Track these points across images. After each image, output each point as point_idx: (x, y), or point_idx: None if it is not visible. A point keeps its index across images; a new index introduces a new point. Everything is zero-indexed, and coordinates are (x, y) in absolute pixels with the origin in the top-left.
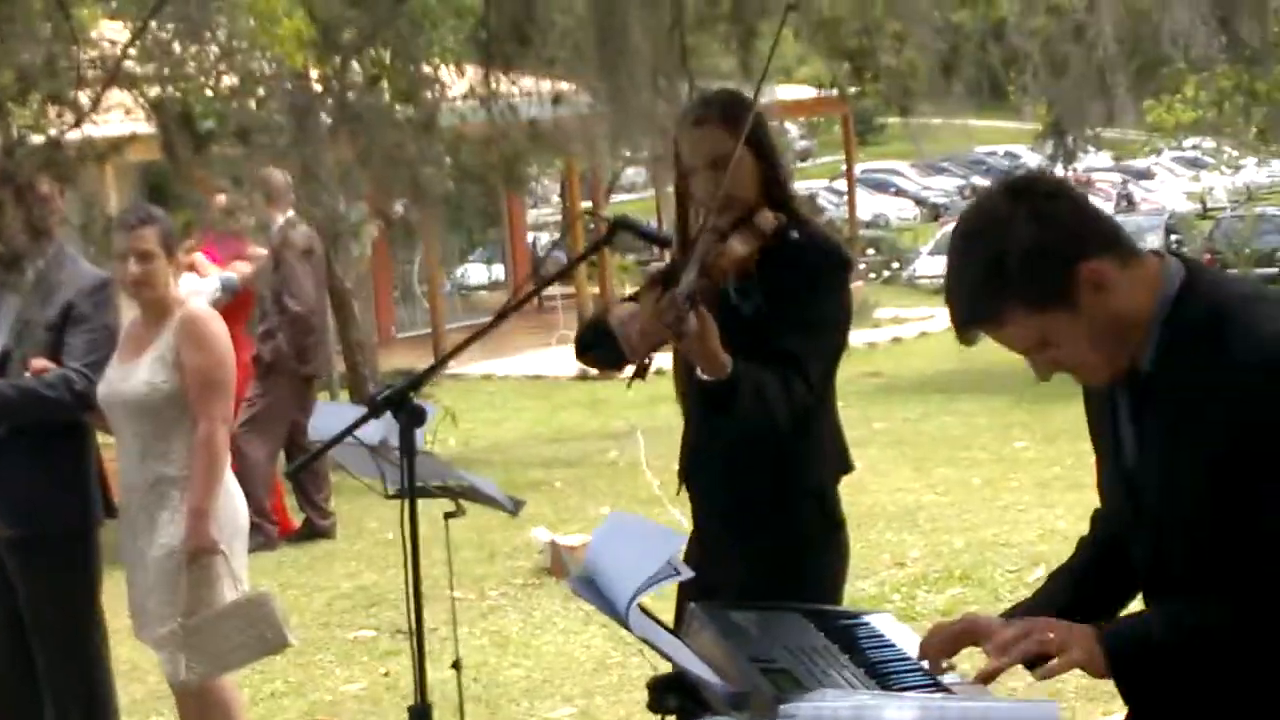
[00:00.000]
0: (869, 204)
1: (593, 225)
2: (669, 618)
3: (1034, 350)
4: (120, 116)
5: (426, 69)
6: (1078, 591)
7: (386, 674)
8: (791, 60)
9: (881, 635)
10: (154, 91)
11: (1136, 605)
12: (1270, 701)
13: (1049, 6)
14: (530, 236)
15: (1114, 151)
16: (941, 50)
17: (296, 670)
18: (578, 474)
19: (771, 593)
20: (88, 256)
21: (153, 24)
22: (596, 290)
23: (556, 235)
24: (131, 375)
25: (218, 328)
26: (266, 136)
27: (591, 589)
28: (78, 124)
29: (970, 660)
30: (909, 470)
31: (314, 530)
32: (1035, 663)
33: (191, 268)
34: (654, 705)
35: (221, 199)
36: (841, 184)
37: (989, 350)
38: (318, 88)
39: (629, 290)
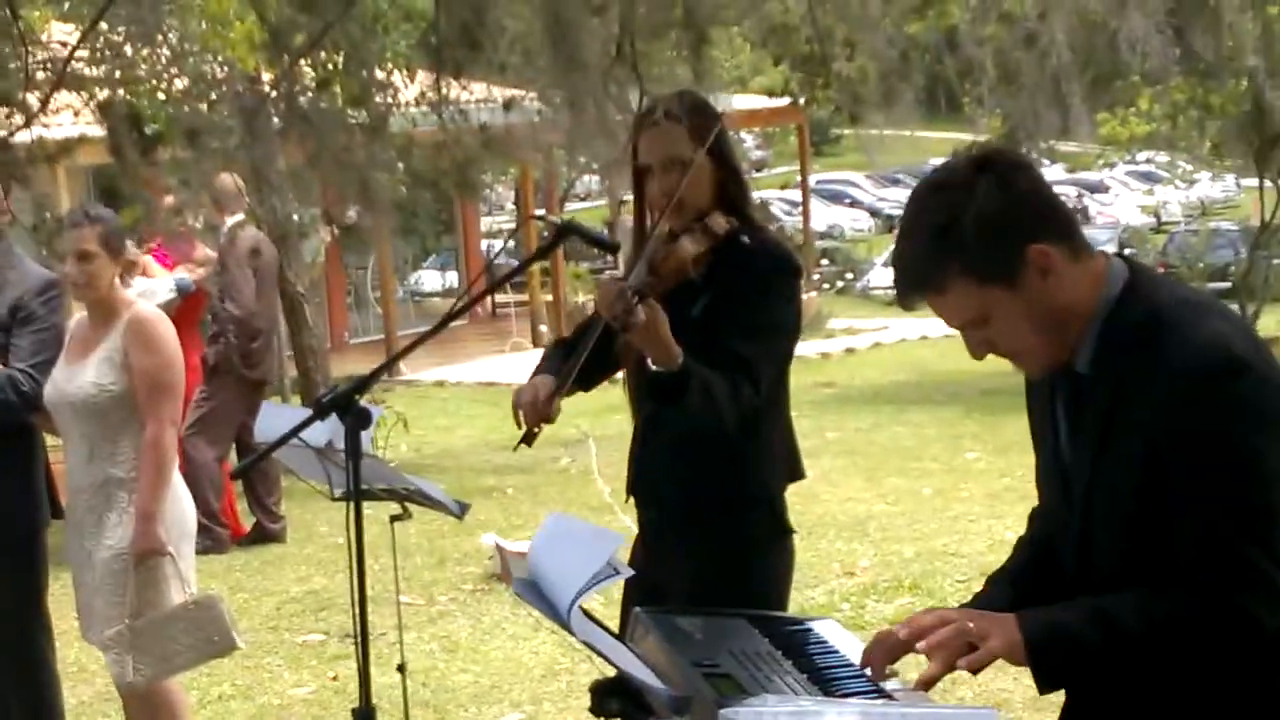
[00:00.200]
0: (824, 215)
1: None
2: (615, 623)
3: (972, 326)
4: (71, 118)
5: (379, 73)
6: (1015, 591)
7: (335, 678)
8: (747, 70)
9: (826, 642)
10: (104, 93)
11: None
12: (1181, 692)
13: (1000, 14)
14: (484, 244)
15: (1068, 164)
16: (892, 58)
17: (245, 673)
18: (529, 481)
19: (718, 597)
20: (38, 258)
21: (104, 26)
22: (550, 298)
23: (511, 243)
24: (78, 376)
25: (166, 330)
26: (216, 139)
27: (535, 592)
28: (27, 125)
29: (916, 668)
30: (860, 480)
31: (264, 534)
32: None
33: (142, 270)
34: (596, 709)
35: (170, 200)
36: (793, 193)
37: (941, 361)
38: (272, 92)
39: (582, 297)
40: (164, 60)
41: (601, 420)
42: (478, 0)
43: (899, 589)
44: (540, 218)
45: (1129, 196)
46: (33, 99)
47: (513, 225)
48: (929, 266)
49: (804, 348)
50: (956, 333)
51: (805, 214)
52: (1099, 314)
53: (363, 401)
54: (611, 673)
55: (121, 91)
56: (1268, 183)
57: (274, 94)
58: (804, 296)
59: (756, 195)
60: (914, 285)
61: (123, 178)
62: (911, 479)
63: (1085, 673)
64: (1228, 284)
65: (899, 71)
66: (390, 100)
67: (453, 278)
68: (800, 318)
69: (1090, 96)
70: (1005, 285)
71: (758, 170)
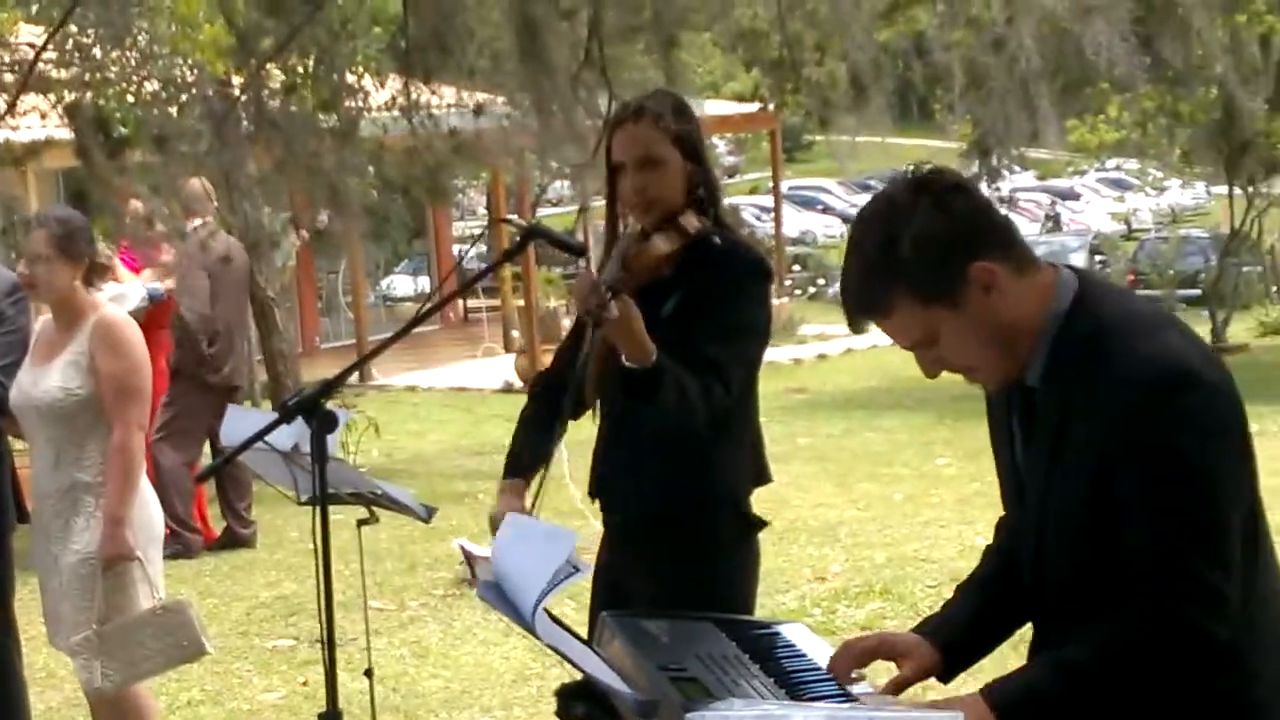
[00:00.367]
0: (796, 221)
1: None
2: (584, 629)
3: (921, 346)
4: (39, 121)
5: (350, 77)
6: (984, 597)
7: (305, 683)
8: (719, 76)
9: (794, 645)
10: (72, 96)
11: None
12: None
13: (968, 19)
14: (456, 248)
15: (1038, 171)
16: (861, 61)
17: (214, 679)
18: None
19: (685, 598)
20: (6, 261)
21: (74, 28)
22: (522, 303)
23: (482, 248)
24: (44, 380)
25: (132, 333)
26: (185, 143)
27: (499, 595)
28: None
29: (886, 673)
30: (831, 485)
31: (234, 539)
32: (946, 678)
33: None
34: (562, 713)
35: (137, 204)
36: (765, 199)
37: (913, 368)
38: (242, 96)
39: (554, 303)
40: (133, 63)
41: (573, 426)
42: (447, 4)
43: (870, 594)
44: (508, 221)
45: (1100, 203)
46: None
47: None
48: (872, 290)
49: (776, 353)
50: None
51: (777, 220)
52: (1049, 328)
53: (329, 405)
54: (579, 676)
55: (90, 94)
56: (1237, 190)
57: (243, 98)
58: (777, 302)
59: (727, 201)
60: (859, 309)
61: (90, 181)
62: (883, 484)
63: None
64: (1198, 291)
65: (869, 74)
66: (361, 104)
67: (425, 283)
68: (770, 321)
69: (1060, 103)
70: (949, 304)
71: (730, 176)
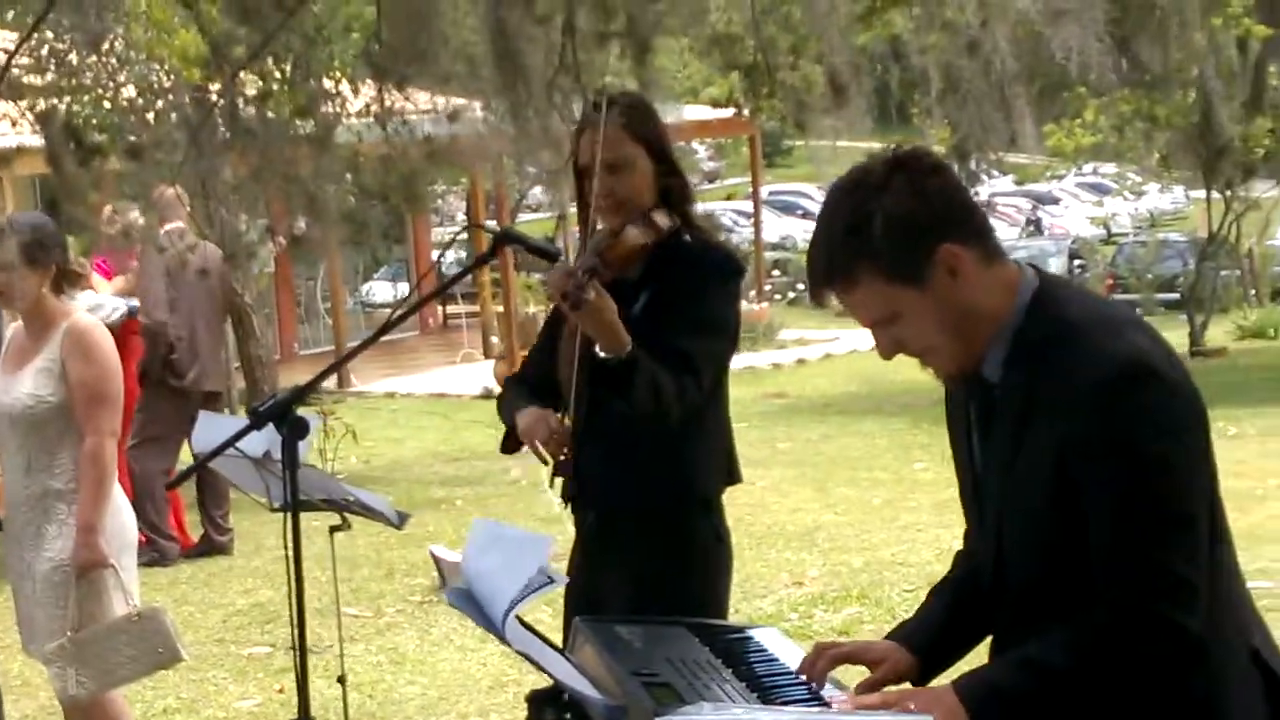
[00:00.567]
0: (776, 226)
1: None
2: (560, 636)
3: (881, 324)
4: (9, 128)
5: (328, 83)
6: (957, 599)
7: (281, 690)
8: (698, 81)
9: (766, 650)
10: (44, 103)
11: None
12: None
13: (943, 23)
14: (435, 254)
15: (1016, 175)
16: (838, 65)
17: (190, 686)
18: (479, 493)
19: (658, 599)
20: None
21: (49, 34)
22: (501, 309)
23: (462, 254)
24: (15, 387)
25: (104, 339)
26: (160, 151)
27: (469, 602)
28: None
29: (859, 675)
30: (810, 490)
31: (211, 546)
32: (922, 682)
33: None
34: (533, 718)
35: (108, 211)
36: (745, 204)
37: (891, 373)
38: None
39: (534, 308)
40: (109, 69)
41: None
42: (421, 9)
43: (847, 599)
44: (482, 226)
45: (1079, 208)
46: None
47: (464, 236)
48: (839, 263)
49: (755, 358)
50: None
51: (757, 225)
52: (1009, 322)
53: (301, 411)
54: (550, 682)
55: (64, 100)
56: (1215, 194)
57: (219, 105)
58: (757, 307)
59: (703, 207)
60: (823, 280)
61: (61, 189)
62: (861, 489)
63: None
64: (1176, 295)
65: (847, 76)
66: (337, 110)
67: (404, 289)
68: (740, 318)
69: (1037, 106)
70: (913, 284)
71: (710, 181)
